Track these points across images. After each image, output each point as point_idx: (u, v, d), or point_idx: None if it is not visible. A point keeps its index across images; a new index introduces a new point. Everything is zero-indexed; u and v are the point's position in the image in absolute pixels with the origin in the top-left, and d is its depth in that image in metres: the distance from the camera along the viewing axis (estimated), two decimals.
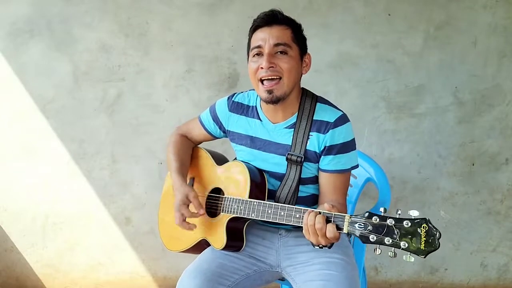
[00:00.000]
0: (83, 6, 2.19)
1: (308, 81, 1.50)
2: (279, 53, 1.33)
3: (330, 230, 1.13)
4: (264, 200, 1.37)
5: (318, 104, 1.41)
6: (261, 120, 1.46)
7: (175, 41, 2.22)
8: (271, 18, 1.35)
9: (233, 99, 1.53)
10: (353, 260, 1.43)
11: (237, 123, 1.51)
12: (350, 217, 1.12)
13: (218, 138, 1.63)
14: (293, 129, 1.40)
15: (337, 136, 1.36)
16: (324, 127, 1.37)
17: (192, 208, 1.41)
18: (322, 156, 1.38)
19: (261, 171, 1.44)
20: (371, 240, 1.08)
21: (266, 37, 1.33)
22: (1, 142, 2.28)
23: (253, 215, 1.32)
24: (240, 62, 2.22)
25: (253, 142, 1.47)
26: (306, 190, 1.44)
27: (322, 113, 1.39)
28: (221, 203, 1.41)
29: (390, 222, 1.06)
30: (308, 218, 1.17)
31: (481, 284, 2.40)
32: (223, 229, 1.38)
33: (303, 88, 1.46)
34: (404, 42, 2.21)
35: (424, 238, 1.02)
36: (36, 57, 2.23)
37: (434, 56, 2.21)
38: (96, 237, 2.36)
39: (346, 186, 1.42)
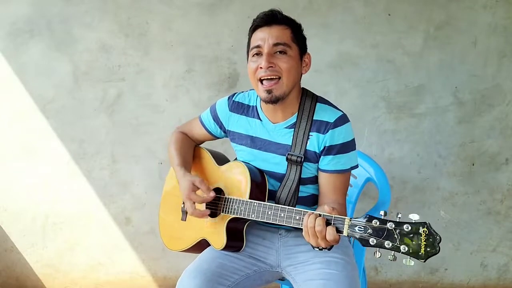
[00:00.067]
0: (83, 6, 2.19)
1: (308, 81, 1.50)
2: (278, 53, 1.33)
3: (330, 232, 1.13)
4: (265, 201, 1.37)
5: (318, 104, 1.41)
6: (261, 120, 1.46)
7: (175, 41, 2.22)
8: (270, 18, 1.35)
9: (233, 99, 1.53)
10: (353, 260, 1.43)
11: (238, 123, 1.51)
12: (350, 220, 1.12)
13: (218, 138, 1.63)
14: (293, 129, 1.40)
15: (337, 136, 1.36)
16: (324, 127, 1.37)
17: (200, 192, 1.40)
18: (321, 156, 1.38)
19: (261, 172, 1.44)
20: (371, 243, 1.08)
21: (265, 37, 1.33)
22: (1, 142, 2.28)
23: (253, 216, 1.32)
24: (240, 62, 2.22)
25: (253, 142, 1.47)
26: (306, 190, 1.44)
27: (322, 113, 1.39)
28: (222, 204, 1.41)
29: (390, 225, 1.06)
30: (308, 221, 1.17)
31: (481, 284, 2.40)
32: (223, 229, 1.38)
33: (303, 88, 1.46)
34: (404, 42, 2.21)
35: (424, 242, 1.02)
36: (36, 57, 2.23)
37: (434, 56, 2.21)
38: (96, 237, 2.36)
39: (346, 186, 1.42)
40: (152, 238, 2.34)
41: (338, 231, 1.13)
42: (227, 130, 1.54)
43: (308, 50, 1.43)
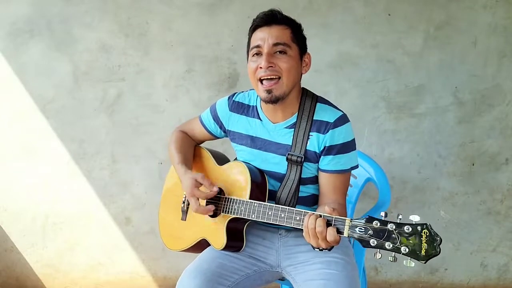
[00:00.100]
0: (83, 6, 2.19)
1: (308, 81, 1.50)
2: (278, 52, 1.33)
3: (331, 233, 1.13)
4: (265, 201, 1.37)
5: (318, 104, 1.41)
6: (261, 120, 1.46)
7: (175, 41, 2.22)
8: (270, 18, 1.35)
9: (233, 98, 1.53)
10: (353, 260, 1.43)
11: (238, 123, 1.51)
12: (351, 221, 1.12)
13: (218, 138, 1.63)
14: (293, 129, 1.40)
15: (337, 136, 1.36)
16: (324, 127, 1.37)
17: (203, 188, 1.40)
18: (322, 156, 1.38)
19: (262, 172, 1.44)
20: (372, 244, 1.08)
21: (265, 36, 1.33)
22: (1, 142, 2.28)
23: (253, 216, 1.32)
24: (240, 62, 2.22)
25: (253, 142, 1.47)
26: (306, 190, 1.44)
27: (322, 113, 1.39)
28: (222, 204, 1.41)
29: (391, 226, 1.06)
30: (309, 221, 1.17)
31: (481, 284, 2.40)
32: (223, 229, 1.38)
33: (303, 88, 1.46)
34: (404, 42, 2.21)
35: (425, 244, 1.02)
36: (36, 57, 2.23)
37: (434, 56, 2.21)
38: (96, 237, 2.36)
39: (346, 186, 1.42)
40: (152, 238, 2.34)
41: (339, 232, 1.13)
42: (227, 130, 1.54)
43: (308, 50, 1.42)
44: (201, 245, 1.48)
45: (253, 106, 1.49)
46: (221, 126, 1.56)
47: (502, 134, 2.26)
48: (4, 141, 2.28)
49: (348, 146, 1.38)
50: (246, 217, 1.34)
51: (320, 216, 1.16)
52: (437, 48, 2.20)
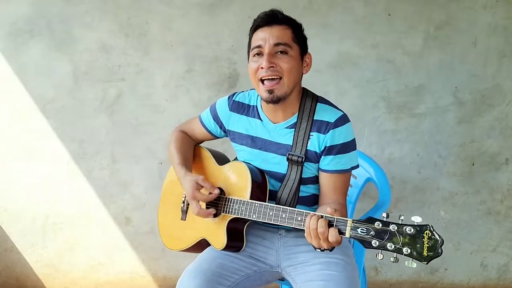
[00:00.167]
0: (83, 6, 2.19)
1: (308, 81, 1.50)
2: (279, 53, 1.33)
3: (333, 234, 1.13)
4: (265, 201, 1.37)
5: (318, 104, 1.41)
6: (261, 120, 1.46)
7: (175, 41, 2.22)
8: (271, 18, 1.35)
9: (233, 98, 1.53)
10: (353, 261, 1.43)
11: (238, 123, 1.50)
12: (353, 222, 1.12)
13: (218, 137, 1.63)
14: (293, 129, 1.40)
15: (338, 136, 1.36)
16: (324, 127, 1.37)
17: (204, 191, 1.40)
18: (322, 156, 1.38)
19: (262, 172, 1.44)
20: (374, 245, 1.08)
21: (266, 37, 1.33)
22: (1, 142, 2.28)
23: (254, 216, 1.32)
24: (240, 62, 2.22)
25: (254, 142, 1.46)
26: (306, 190, 1.44)
27: (323, 113, 1.39)
28: (222, 204, 1.41)
29: (392, 227, 1.06)
30: (311, 222, 1.16)
31: (481, 284, 2.40)
32: (223, 229, 1.38)
33: (303, 88, 1.46)
34: (404, 42, 2.21)
35: (427, 245, 1.02)
36: (36, 57, 2.22)
37: (434, 56, 2.21)
38: (96, 237, 2.36)
39: (347, 186, 1.42)
40: (152, 238, 2.34)
41: (341, 232, 1.14)
42: (227, 129, 1.54)
43: (308, 50, 1.42)
44: (201, 245, 1.48)
45: (253, 106, 1.49)
46: (221, 126, 1.56)
47: (502, 134, 2.26)
48: (4, 141, 2.28)
49: (349, 146, 1.38)
50: (246, 217, 1.34)
51: (322, 216, 1.16)
52: (437, 48, 2.20)
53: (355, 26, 2.20)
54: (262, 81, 1.34)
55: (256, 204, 1.32)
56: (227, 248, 1.39)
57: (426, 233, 1.03)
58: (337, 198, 1.38)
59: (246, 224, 1.42)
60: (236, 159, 1.58)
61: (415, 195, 2.31)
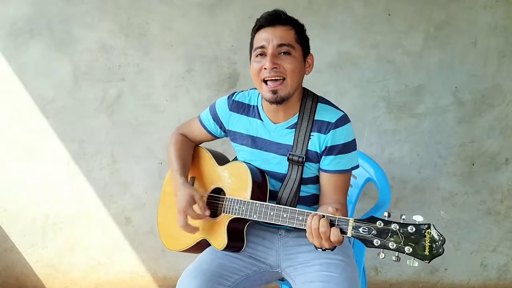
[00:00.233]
0: (83, 6, 2.19)
1: (308, 81, 1.50)
2: (282, 53, 1.33)
3: (334, 233, 1.13)
4: (266, 201, 1.37)
5: (319, 104, 1.41)
6: (262, 120, 1.45)
7: (175, 41, 2.22)
8: (274, 18, 1.34)
9: (233, 98, 1.52)
10: (353, 261, 1.43)
11: (238, 123, 1.50)
12: (354, 221, 1.12)
13: (218, 138, 1.63)
14: (294, 129, 1.40)
15: (338, 136, 1.36)
16: (325, 127, 1.37)
17: (196, 209, 1.40)
18: (323, 157, 1.38)
19: (262, 172, 1.44)
20: (375, 244, 1.08)
21: (269, 37, 1.32)
22: (1, 142, 2.28)
23: (254, 216, 1.32)
24: (240, 62, 2.22)
25: (254, 142, 1.46)
26: (307, 190, 1.44)
27: (323, 113, 1.39)
28: (222, 204, 1.41)
29: (394, 226, 1.07)
30: (312, 222, 1.17)
31: (481, 284, 2.40)
32: (223, 229, 1.38)
33: (304, 88, 1.45)
34: (404, 42, 2.21)
35: (429, 244, 1.03)
36: (36, 57, 2.22)
37: (434, 56, 2.21)
38: (96, 237, 2.36)
39: (347, 186, 1.43)
40: (152, 238, 2.34)
41: (342, 232, 1.14)
42: (227, 130, 1.54)
43: (310, 51, 1.42)
44: (201, 245, 1.47)
45: (253, 105, 1.49)
46: (221, 126, 1.56)
47: (502, 134, 2.26)
48: (4, 141, 2.28)
49: (349, 146, 1.38)
50: (247, 217, 1.34)
51: (323, 216, 1.16)
52: (437, 48, 2.21)
53: (355, 26, 2.20)
54: (265, 81, 1.33)
55: (257, 204, 1.32)
56: (228, 248, 1.39)
57: (428, 232, 1.03)
58: (338, 198, 1.38)
59: (247, 224, 1.42)
60: (235, 159, 1.57)
61: (415, 195, 2.31)
